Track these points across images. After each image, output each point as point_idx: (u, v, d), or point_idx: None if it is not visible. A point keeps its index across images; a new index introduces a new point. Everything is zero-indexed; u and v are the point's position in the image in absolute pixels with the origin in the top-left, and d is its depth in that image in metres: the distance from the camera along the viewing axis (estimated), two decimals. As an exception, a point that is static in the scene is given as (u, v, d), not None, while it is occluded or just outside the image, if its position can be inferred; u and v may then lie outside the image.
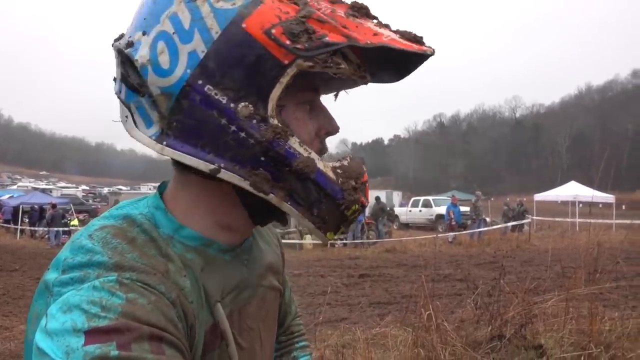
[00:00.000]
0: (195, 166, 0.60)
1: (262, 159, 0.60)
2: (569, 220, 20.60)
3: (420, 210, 25.78)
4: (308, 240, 16.07)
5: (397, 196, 32.85)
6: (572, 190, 24.11)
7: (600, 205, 24.76)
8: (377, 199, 18.63)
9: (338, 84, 0.69)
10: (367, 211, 17.95)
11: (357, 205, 0.64)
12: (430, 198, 26.91)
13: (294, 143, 0.60)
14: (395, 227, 24.88)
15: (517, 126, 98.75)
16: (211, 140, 0.60)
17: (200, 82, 0.58)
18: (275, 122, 0.59)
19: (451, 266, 9.91)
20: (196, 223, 0.66)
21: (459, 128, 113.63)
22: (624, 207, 27.89)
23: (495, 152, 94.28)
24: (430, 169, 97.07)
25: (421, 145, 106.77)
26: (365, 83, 0.66)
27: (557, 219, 21.30)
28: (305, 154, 0.61)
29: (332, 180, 0.62)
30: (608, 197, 22.92)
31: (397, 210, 27.76)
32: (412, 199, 28.63)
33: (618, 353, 3.55)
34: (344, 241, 16.59)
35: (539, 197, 25.87)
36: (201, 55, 0.57)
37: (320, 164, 0.62)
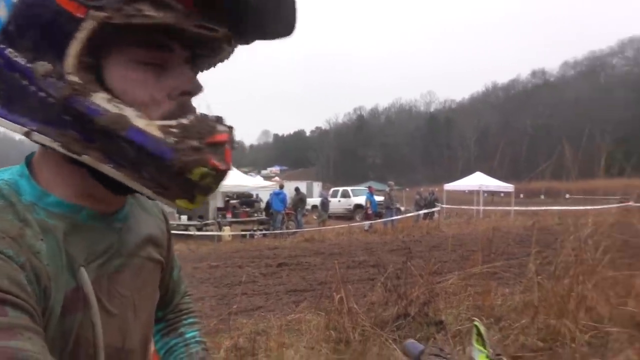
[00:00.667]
0: (12, 130, 0.60)
1: (67, 118, 0.58)
2: (474, 207, 22.19)
3: (339, 201, 26.38)
4: (226, 232, 15.85)
5: (317, 187, 33.34)
6: (478, 180, 25.95)
7: (502, 194, 26.97)
8: (297, 189, 18.81)
9: (204, 45, 0.66)
10: (288, 202, 18.08)
11: (203, 168, 0.59)
12: (348, 188, 27.62)
13: (99, 99, 0.58)
14: (315, 217, 25.31)
15: (431, 120, 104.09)
16: (20, 104, 0.59)
17: (2, 46, 0.59)
18: (75, 78, 0.57)
19: (366, 253, 10.27)
20: (62, 191, 0.65)
21: (378, 121, 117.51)
22: (522, 195, 30.54)
23: (410, 145, 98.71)
24: (350, 160, 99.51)
25: (341, 137, 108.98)
26: (217, 38, 0.63)
27: (464, 207, 22.86)
28: (115, 110, 0.57)
29: (155, 138, 0.58)
30: (508, 187, 25.00)
31: (317, 200, 28.22)
32: (332, 189, 29.21)
33: (506, 324, 3.92)
34: (263, 232, 16.59)
35: (449, 186, 27.54)
36: (3, 20, 0.59)
37: (139, 121, 0.58)
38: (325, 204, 20.71)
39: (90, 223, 0.67)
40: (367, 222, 17.54)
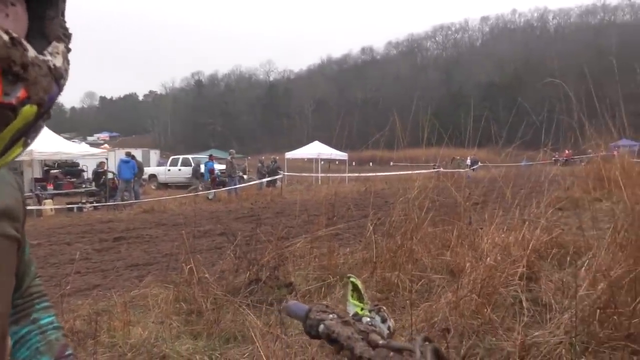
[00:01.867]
0: None
1: None
2: (313, 175, 23.43)
3: (179, 169, 25.29)
4: (48, 205, 14.02)
5: (154, 155, 31.36)
6: (316, 149, 27.42)
7: (337, 162, 28.97)
8: (133, 157, 17.43)
9: None
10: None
11: None
12: (189, 157, 26.62)
13: None
14: (153, 187, 23.90)
15: (271, 89, 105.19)
16: None
17: None
18: None
19: (211, 222, 10.14)
20: None
21: (218, 88, 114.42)
22: (354, 163, 33.24)
23: (251, 114, 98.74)
24: (189, 127, 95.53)
25: (179, 103, 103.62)
26: None
27: (303, 174, 23.97)
28: None
29: None
30: (343, 155, 26.94)
31: (155, 169, 26.64)
32: (171, 157, 27.83)
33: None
34: (94, 204, 15.11)
35: (289, 155, 28.55)
36: None
37: None
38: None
39: None
40: (212, 191, 17.22)
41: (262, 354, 2.97)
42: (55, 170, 16.98)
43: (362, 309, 0.86)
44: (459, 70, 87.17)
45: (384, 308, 0.80)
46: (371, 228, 4.73)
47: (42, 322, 0.84)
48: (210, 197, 16.74)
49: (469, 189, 5.64)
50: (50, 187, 15.68)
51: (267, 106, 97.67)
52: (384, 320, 0.79)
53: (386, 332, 0.77)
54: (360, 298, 0.88)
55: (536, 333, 2.91)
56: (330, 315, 0.77)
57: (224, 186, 18.96)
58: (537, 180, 5.91)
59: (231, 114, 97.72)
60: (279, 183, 20.72)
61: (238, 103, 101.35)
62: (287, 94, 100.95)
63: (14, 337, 0.81)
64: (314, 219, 6.06)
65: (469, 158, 22.10)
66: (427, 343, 0.59)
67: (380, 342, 0.68)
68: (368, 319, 0.79)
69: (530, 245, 3.98)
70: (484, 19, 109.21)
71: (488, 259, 3.61)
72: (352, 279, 0.88)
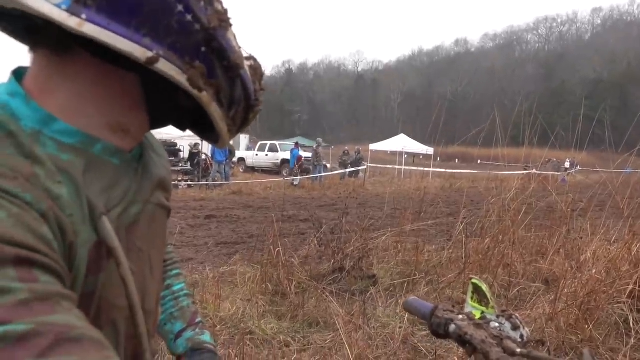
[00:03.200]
0: (128, 52, 0.47)
1: (203, 49, 0.52)
2: (396, 167, 23.10)
3: (266, 155, 26.15)
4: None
5: (244, 139, 32.71)
6: (401, 142, 26.96)
7: (422, 157, 28.31)
8: (225, 141, 18.32)
9: None
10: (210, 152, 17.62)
11: (259, 109, 0.62)
12: (276, 143, 27.39)
13: (231, 34, 0.54)
14: (241, 170, 24.97)
15: (358, 80, 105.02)
16: (150, 20, 0.48)
17: None
18: (220, 7, 0.52)
19: (295, 208, 10.39)
20: (78, 120, 0.53)
21: (306, 76, 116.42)
22: (438, 158, 32.28)
23: (337, 103, 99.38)
24: (277, 114, 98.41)
25: (269, 90, 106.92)
26: None
27: (387, 166, 23.72)
28: (238, 48, 0.55)
29: (250, 79, 0.58)
30: (428, 150, 26.24)
31: (244, 153, 27.78)
32: (259, 142, 28.83)
33: (434, 278, 4.19)
34: (189, 183, 16.12)
35: (373, 146, 28.35)
36: None
37: (245, 61, 0.57)
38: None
39: (107, 158, 0.56)
40: (298, 178, 17.65)
41: (344, 341, 3.00)
42: (156, 149, 18.35)
43: (482, 313, 0.82)
44: (563, 66, 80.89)
45: (517, 315, 0.76)
46: (461, 227, 4.56)
47: (175, 288, 0.90)
48: (295, 183, 17.15)
49: (571, 194, 5.23)
50: (151, 164, 16.96)
51: (353, 97, 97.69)
52: (515, 328, 0.75)
53: (519, 340, 0.73)
54: (482, 301, 0.84)
55: (646, 358, 2.65)
56: (460, 317, 0.74)
57: (308, 174, 19.34)
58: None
59: (318, 103, 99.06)
60: (361, 174, 20.69)
61: (325, 92, 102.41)
62: (375, 85, 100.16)
63: None
64: (399, 213, 5.98)
65: (567, 161, 20.56)
66: (593, 358, 0.55)
67: (518, 350, 0.65)
68: (496, 325, 0.76)
69: (642, 262, 3.61)
70: (596, 10, 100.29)
71: (594, 270, 3.33)
72: (474, 281, 0.85)
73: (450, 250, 4.78)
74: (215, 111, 0.56)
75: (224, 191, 14.58)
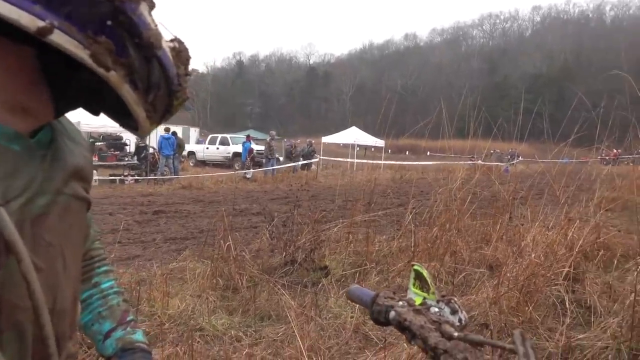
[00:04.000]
0: (14, 20, 0.42)
1: (109, 22, 0.47)
2: (348, 160, 23.33)
3: (217, 148, 25.70)
4: (94, 176, 14.56)
5: (194, 132, 31.97)
6: (353, 135, 27.24)
7: (373, 149, 28.74)
8: (174, 134, 17.82)
9: None
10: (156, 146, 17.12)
11: (185, 95, 0.57)
12: (228, 136, 26.97)
13: (144, 9, 0.49)
14: (191, 164, 24.41)
15: (310, 72, 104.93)
16: None
17: None
18: None
19: (247, 201, 10.28)
20: None
21: (258, 69, 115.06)
22: (389, 151, 32.90)
23: (289, 96, 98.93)
24: (228, 107, 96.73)
25: (219, 83, 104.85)
26: None
27: (339, 159, 23.91)
28: (153, 26, 0.50)
29: (171, 61, 0.53)
30: (379, 142, 26.68)
31: (194, 147, 27.17)
32: (210, 136, 28.28)
33: (384, 267, 4.27)
34: (136, 177, 15.58)
35: (326, 139, 28.49)
36: None
37: (163, 41, 0.51)
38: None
39: (5, 144, 0.51)
40: (250, 171, 17.44)
41: (296, 334, 2.99)
42: (100, 143, 17.56)
43: (423, 299, 0.83)
44: (505, 61, 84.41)
45: (455, 299, 0.76)
46: (410, 216, 4.66)
47: (103, 286, 0.85)
48: (248, 176, 16.95)
49: (513, 184, 5.47)
50: (95, 158, 16.24)
51: (305, 89, 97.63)
52: (454, 312, 0.75)
53: (457, 324, 0.73)
54: (423, 287, 0.85)
55: (580, 336, 2.82)
56: (400, 303, 0.74)
57: (260, 167, 19.16)
58: (586, 179, 5.67)
59: (270, 96, 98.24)
60: (313, 166, 20.75)
61: (277, 85, 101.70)
62: (327, 78, 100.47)
63: None
64: (350, 204, 6.03)
65: (509, 151, 21.51)
66: (524, 339, 0.56)
67: (456, 334, 0.65)
68: (436, 310, 0.76)
69: (577, 246, 3.83)
70: (536, 8, 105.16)
71: (533, 255, 3.50)
72: (416, 267, 0.85)
73: (400, 240, 4.87)
74: (127, 93, 0.51)
75: (173, 186, 14.19)
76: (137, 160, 16.95)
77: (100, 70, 0.48)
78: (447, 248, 4.26)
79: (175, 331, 3.34)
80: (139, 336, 0.81)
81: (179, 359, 2.77)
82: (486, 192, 5.54)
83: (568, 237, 3.99)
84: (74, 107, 0.58)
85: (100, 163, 16.29)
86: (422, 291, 0.86)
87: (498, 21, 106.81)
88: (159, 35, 0.50)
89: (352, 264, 4.43)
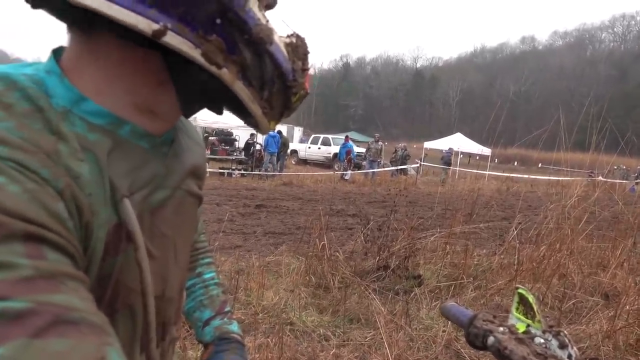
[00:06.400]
0: (132, 25, 0.45)
1: (218, 21, 0.48)
2: (451, 168, 22.49)
3: (319, 148, 26.27)
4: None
5: (297, 132, 33.03)
6: (457, 141, 26.23)
7: (477, 157, 27.39)
8: (280, 132, 18.58)
9: None
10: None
11: (303, 91, 0.57)
12: (329, 136, 27.43)
13: (254, 5, 0.49)
14: (293, 162, 25.24)
15: (417, 75, 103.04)
16: None
17: None
18: None
19: (344, 202, 10.36)
20: (107, 100, 0.52)
21: (364, 71, 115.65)
22: (496, 160, 31.13)
23: (394, 99, 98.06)
24: (332, 108, 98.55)
25: (325, 84, 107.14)
26: None
27: (441, 167, 23.14)
28: (264, 21, 0.50)
29: (285, 56, 0.53)
30: (485, 150, 25.36)
31: (297, 146, 28.04)
32: (312, 135, 28.98)
33: (482, 284, 4.04)
34: (242, 172, 16.49)
35: (428, 144, 27.78)
36: None
37: (275, 36, 0.51)
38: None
39: (135, 142, 0.55)
40: (349, 172, 17.60)
41: (384, 341, 2.95)
42: (212, 138, 18.89)
43: (527, 326, 0.76)
44: (639, 67, 75.36)
45: (565, 332, 0.69)
46: (515, 232, 4.36)
47: (206, 276, 0.89)
48: (346, 177, 17.12)
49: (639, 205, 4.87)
50: (207, 151, 17.51)
51: (410, 93, 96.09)
52: (562, 346, 0.68)
53: (565, 360, 0.66)
54: (528, 314, 0.78)
55: None
56: (501, 329, 0.69)
57: (358, 169, 19.23)
58: None
59: (374, 98, 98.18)
60: (412, 172, 20.31)
61: (382, 87, 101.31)
62: (433, 82, 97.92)
63: None
64: (450, 213, 5.80)
65: (638, 168, 19.20)
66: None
67: (563, 371, 0.59)
68: (542, 341, 0.69)
69: None
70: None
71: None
72: (520, 290, 0.78)
73: (502, 256, 4.58)
74: (241, 90, 0.52)
75: (275, 182, 14.79)
76: (245, 155, 17.93)
77: (213, 68, 0.49)
78: (556, 270, 3.92)
79: (268, 322, 3.47)
80: (234, 327, 0.85)
81: (269, 350, 2.87)
82: (606, 213, 5.00)
83: None
84: (199, 108, 0.60)
85: (212, 156, 17.51)
86: (527, 318, 0.80)
87: (633, 22, 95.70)
88: (269, 30, 0.50)
89: (448, 276, 4.25)
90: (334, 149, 24.80)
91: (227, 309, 0.88)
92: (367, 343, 3.20)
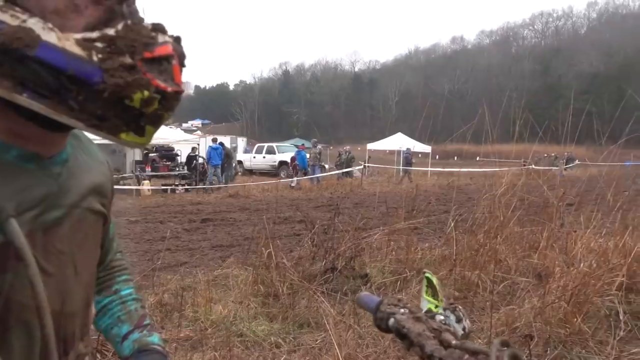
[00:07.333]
0: None
1: None
2: (394, 167, 23.09)
3: (264, 157, 26.15)
4: (146, 186, 15.19)
5: (242, 142, 32.70)
6: (399, 141, 26.95)
7: (420, 155, 28.29)
8: (222, 144, 18.33)
9: None
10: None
11: (145, 92, 0.49)
12: (274, 145, 27.39)
13: None
14: (239, 172, 24.94)
15: (355, 79, 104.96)
16: None
17: None
18: None
19: (291, 209, 10.37)
20: None
21: (304, 77, 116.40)
22: (437, 157, 32.24)
23: (335, 104, 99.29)
24: (275, 116, 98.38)
25: (266, 93, 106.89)
26: None
27: (384, 166, 23.71)
28: (14, 23, 0.46)
29: (75, 56, 0.47)
30: (426, 148, 26.23)
31: (242, 156, 27.77)
32: (257, 145, 28.81)
33: (426, 276, 4.18)
34: (186, 187, 16.10)
35: (371, 146, 28.36)
36: None
37: (50, 35, 0.46)
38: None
39: (21, 165, 0.56)
40: (295, 179, 17.62)
41: (334, 341, 2.99)
42: (153, 154, 18.33)
43: (436, 306, 0.82)
44: (559, 61, 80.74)
45: (460, 307, 0.75)
46: (452, 224, 4.55)
47: (123, 293, 0.90)
48: (292, 184, 17.14)
49: (563, 189, 5.22)
50: (148, 169, 16.95)
51: (351, 96, 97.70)
52: (458, 320, 0.74)
53: (460, 332, 0.72)
54: (435, 295, 0.84)
55: (634, 350, 2.64)
56: (402, 310, 0.74)
57: (305, 175, 19.30)
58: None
59: (316, 104, 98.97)
60: (357, 174, 20.65)
61: (322, 93, 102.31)
62: (372, 85, 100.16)
63: (97, 306, 0.88)
64: (393, 211, 5.97)
65: (565, 154, 20.55)
66: (505, 348, 0.55)
67: (453, 342, 0.64)
68: (442, 318, 0.75)
69: (632, 253, 3.61)
70: (591, 5, 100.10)
71: (582, 264, 3.33)
72: (427, 274, 0.85)
73: (443, 248, 4.77)
74: (27, 103, 0.48)
75: (221, 194, 14.57)
76: (188, 170, 17.53)
77: None
78: (492, 256, 4.12)
79: (217, 336, 3.42)
80: (155, 339, 0.85)
81: (219, 364, 2.84)
82: (534, 198, 5.32)
83: (623, 245, 3.76)
84: (62, 129, 0.57)
85: (154, 173, 16.99)
86: (434, 299, 0.86)
87: (551, 19, 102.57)
88: (21, 32, 0.46)
89: (393, 272, 4.37)
90: (279, 156, 24.78)
91: (147, 322, 0.88)
92: (317, 346, 3.23)
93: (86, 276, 0.70)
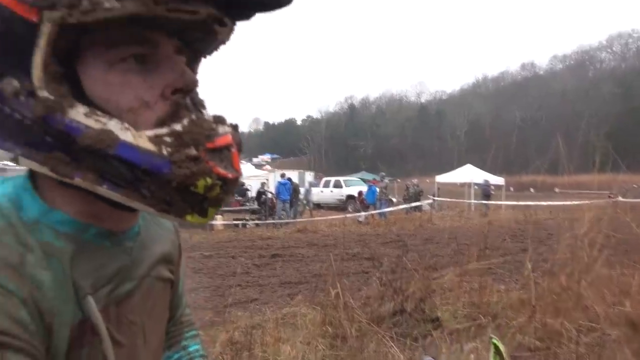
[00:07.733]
0: (3, 156, 0.56)
1: (48, 139, 0.53)
2: (466, 201, 22.31)
3: (331, 191, 26.36)
4: (219, 221, 15.79)
5: (309, 176, 33.26)
6: (469, 173, 26.13)
7: (492, 187, 27.18)
8: (290, 179, 18.76)
9: (191, 30, 0.57)
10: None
11: (208, 179, 0.53)
12: (341, 179, 27.57)
13: (77, 115, 0.52)
14: (307, 208, 25.29)
15: (422, 111, 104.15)
16: (1, 127, 0.55)
17: None
18: (45, 94, 0.51)
19: (359, 245, 10.29)
20: (69, 207, 0.59)
21: (369, 111, 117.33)
22: (511, 188, 30.81)
23: (401, 136, 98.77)
24: (341, 150, 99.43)
25: (333, 127, 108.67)
26: (201, 20, 0.53)
27: (455, 200, 22.97)
28: (97, 126, 0.52)
29: (148, 152, 0.52)
30: (499, 180, 25.20)
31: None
32: (324, 179, 29.15)
33: (503, 322, 3.93)
34: (256, 222, 16.54)
35: (440, 178, 27.68)
36: None
37: (126, 135, 0.52)
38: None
39: (98, 243, 0.61)
40: (363, 214, 17.54)
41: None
42: (225, 190, 19.12)
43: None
44: (642, 83, 75.24)
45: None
46: (530, 265, 4.28)
47: (191, 349, 0.94)
48: (360, 219, 17.06)
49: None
50: (220, 204, 17.66)
51: (417, 128, 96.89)
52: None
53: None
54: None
55: None
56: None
57: (373, 209, 19.17)
58: None
59: (382, 137, 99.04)
60: (427, 207, 20.16)
61: (388, 125, 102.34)
62: (439, 116, 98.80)
63: None
64: (464, 249, 5.73)
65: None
66: None
67: None
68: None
69: None
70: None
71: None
72: (493, 340, 0.82)
73: (521, 291, 4.48)
74: (107, 193, 0.54)
75: (289, 229, 14.79)
76: (257, 205, 18.05)
77: (66, 179, 0.54)
78: (577, 302, 3.81)
79: (286, 379, 3.40)
80: None
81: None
82: (623, 236, 4.89)
83: None
84: (132, 209, 0.60)
85: (226, 208, 17.66)
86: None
87: (631, 40, 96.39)
88: (102, 134, 0.51)
89: (467, 317, 4.16)
90: (346, 190, 24.86)
91: None
92: (387, 394, 3.11)
93: (154, 342, 0.73)
